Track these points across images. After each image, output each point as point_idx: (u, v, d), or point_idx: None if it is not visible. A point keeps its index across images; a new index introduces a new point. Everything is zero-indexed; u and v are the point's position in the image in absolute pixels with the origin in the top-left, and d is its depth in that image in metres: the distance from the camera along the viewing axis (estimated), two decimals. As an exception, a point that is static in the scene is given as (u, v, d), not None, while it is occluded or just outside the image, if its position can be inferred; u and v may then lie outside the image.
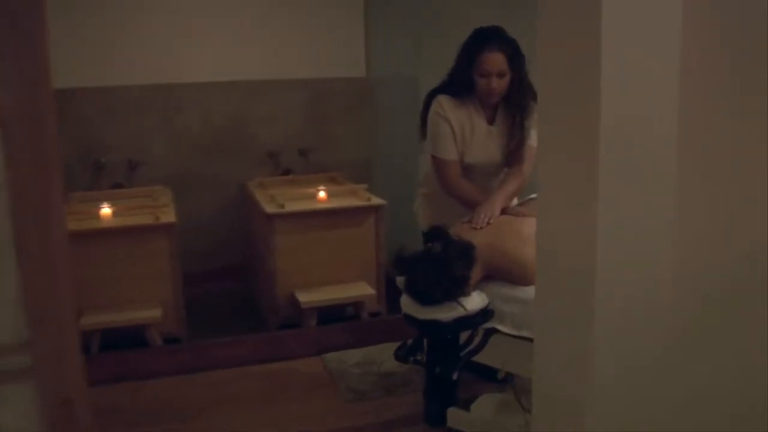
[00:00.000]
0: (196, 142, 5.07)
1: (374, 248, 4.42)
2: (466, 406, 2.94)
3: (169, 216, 4.12)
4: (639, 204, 1.68)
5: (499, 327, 2.60)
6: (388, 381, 3.54)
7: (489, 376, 2.85)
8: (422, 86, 4.38)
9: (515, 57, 2.98)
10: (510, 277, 2.64)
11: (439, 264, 2.45)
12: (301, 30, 5.17)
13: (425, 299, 2.49)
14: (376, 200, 4.42)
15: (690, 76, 1.66)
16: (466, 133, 3.08)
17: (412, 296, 2.53)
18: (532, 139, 3.08)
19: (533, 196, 3.17)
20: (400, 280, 3.00)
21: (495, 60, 2.95)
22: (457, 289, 2.47)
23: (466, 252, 2.52)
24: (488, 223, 2.76)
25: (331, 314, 4.26)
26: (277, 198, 4.39)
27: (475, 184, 3.12)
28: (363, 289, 4.29)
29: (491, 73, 2.96)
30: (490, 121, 3.13)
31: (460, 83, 3.05)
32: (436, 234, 2.59)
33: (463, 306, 2.46)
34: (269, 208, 4.23)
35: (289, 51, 5.18)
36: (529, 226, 2.74)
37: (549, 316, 1.85)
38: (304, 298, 4.15)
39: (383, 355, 3.92)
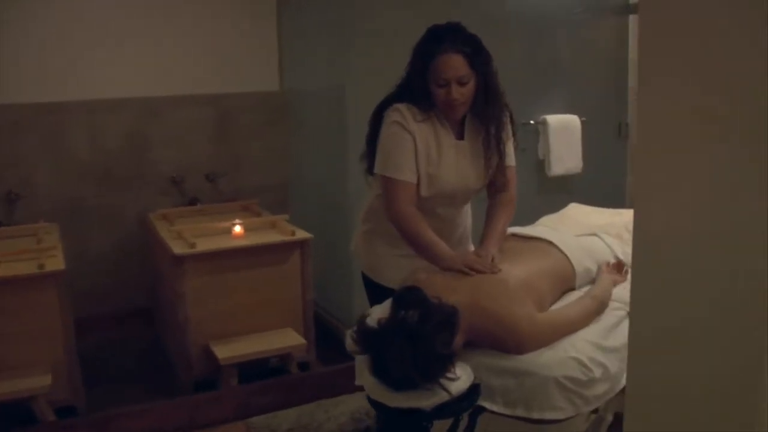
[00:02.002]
0: (86, 168, 4.41)
1: (300, 289, 3.88)
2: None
3: (56, 262, 3.46)
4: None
5: (488, 405, 2.12)
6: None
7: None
8: (351, 98, 3.89)
9: (477, 57, 2.45)
10: (498, 344, 2.15)
11: (417, 339, 1.93)
12: (204, 39, 4.58)
13: (399, 383, 1.96)
14: (301, 233, 3.88)
15: None
16: (431, 152, 2.53)
17: (382, 379, 1.99)
18: (510, 157, 2.65)
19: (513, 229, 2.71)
20: (352, 347, 2.46)
21: (451, 64, 2.41)
22: (440, 369, 1.96)
23: (449, 320, 2.01)
24: (493, 271, 2.29)
25: (254, 368, 3.68)
26: (186, 235, 3.79)
27: (435, 224, 2.58)
28: (290, 338, 3.74)
29: (449, 81, 2.42)
30: (459, 136, 2.59)
31: (415, 95, 2.50)
32: (409, 297, 2.05)
33: (446, 390, 1.95)
34: (177, 249, 3.63)
35: (191, 63, 4.57)
36: (514, 278, 2.27)
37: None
38: (223, 352, 3.56)
39: (320, 415, 3.41)
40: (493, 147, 2.56)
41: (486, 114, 2.53)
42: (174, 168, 4.60)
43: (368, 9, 3.86)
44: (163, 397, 3.61)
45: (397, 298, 2.05)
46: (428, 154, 2.52)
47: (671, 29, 1.30)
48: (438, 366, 1.96)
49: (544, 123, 4.36)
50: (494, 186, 2.66)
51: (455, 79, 2.42)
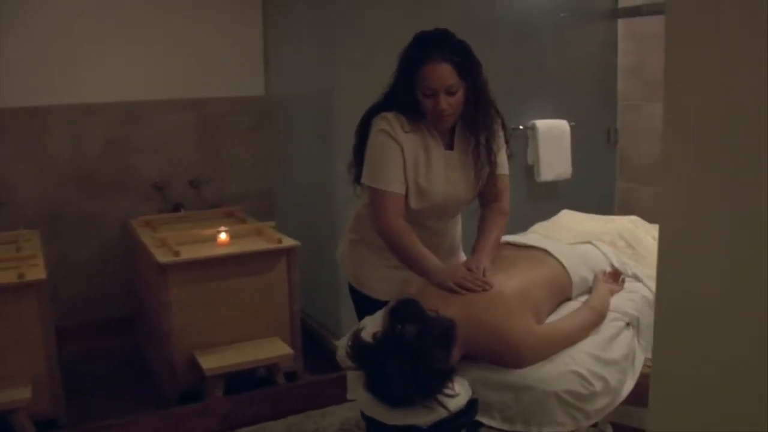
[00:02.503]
0: (68, 174, 4.32)
1: (287, 297, 3.81)
2: None
3: (37, 271, 3.37)
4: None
5: (485, 421, 2.05)
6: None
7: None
8: (338, 103, 3.82)
9: (466, 65, 2.35)
10: (495, 358, 2.09)
11: (415, 354, 1.86)
12: (188, 43, 4.50)
13: (397, 400, 1.89)
14: (288, 241, 3.80)
15: None
16: (420, 163, 2.44)
17: (378, 396, 1.92)
18: (503, 166, 2.56)
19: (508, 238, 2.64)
20: (346, 362, 2.39)
21: (439, 73, 2.31)
22: (439, 385, 1.89)
23: (447, 334, 1.95)
24: (484, 288, 2.20)
25: (240, 378, 3.60)
26: (170, 242, 3.70)
27: (424, 236, 2.49)
28: (277, 348, 3.66)
29: (437, 91, 2.32)
30: (449, 146, 2.51)
31: (402, 103, 2.40)
32: (406, 310, 1.98)
33: (445, 406, 1.89)
34: (161, 257, 3.55)
35: (175, 67, 4.50)
36: (511, 289, 2.21)
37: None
38: (208, 363, 3.48)
39: (308, 426, 3.34)
40: (483, 157, 2.47)
41: (476, 123, 2.44)
42: (157, 173, 4.52)
43: (356, 13, 3.81)
44: (147, 409, 3.53)
45: (393, 312, 1.98)
46: (417, 165, 2.44)
47: (699, 36, 1.25)
48: (437, 382, 1.89)
49: (534, 128, 4.32)
50: (487, 196, 2.58)
51: (443, 89, 2.33)
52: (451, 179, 2.49)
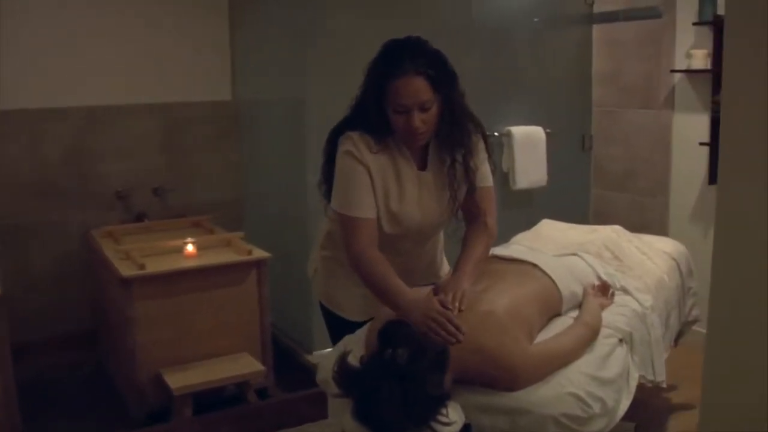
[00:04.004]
0: (26, 182, 4.12)
1: (257, 311, 3.65)
2: None
3: (-8, 286, 3.19)
4: None
5: (478, 448, 1.93)
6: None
7: None
8: (311, 110, 3.69)
9: (441, 78, 2.16)
10: (489, 381, 1.98)
11: (408, 380, 1.74)
12: (152, 45, 4.34)
13: (388, 429, 1.76)
14: (258, 252, 3.65)
15: None
16: (390, 186, 2.28)
17: (368, 424, 1.78)
18: (484, 178, 2.37)
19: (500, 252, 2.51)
20: (324, 382, 2.26)
21: (413, 89, 2.11)
22: (433, 412, 1.77)
23: (440, 357, 1.82)
24: (460, 310, 2.05)
25: (209, 396, 3.44)
26: (134, 255, 3.53)
27: (399, 259, 2.35)
28: (248, 364, 3.51)
29: (410, 108, 2.13)
30: (421, 166, 2.34)
31: (370, 119, 2.23)
32: (397, 333, 1.84)
33: (438, 435, 1.77)
34: (125, 270, 3.38)
35: (137, 70, 4.32)
36: (501, 307, 2.10)
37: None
38: (176, 381, 3.32)
39: (280, 448, 3.18)
40: (460, 176, 2.29)
41: (452, 140, 2.25)
42: (119, 182, 4.34)
43: (327, 17, 3.69)
44: (112, 431, 3.35)
45: (383, 334, 1.85)
46: (387, 188, 2.28)
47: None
48: (431, 409, 1.77)
49: (509, 135, 4.23)
50: (470, 213, 2.40)
51: (417, 106, 2.13)
52: (425, 202, 2.33)
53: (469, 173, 2.30)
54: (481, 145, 2.36)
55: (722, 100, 1.28)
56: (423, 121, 2.16)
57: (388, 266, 2.20)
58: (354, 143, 2.24)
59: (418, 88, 2.12)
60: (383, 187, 2.27)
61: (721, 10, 3.78)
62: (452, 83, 2.21)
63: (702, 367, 1.44)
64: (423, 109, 2.15)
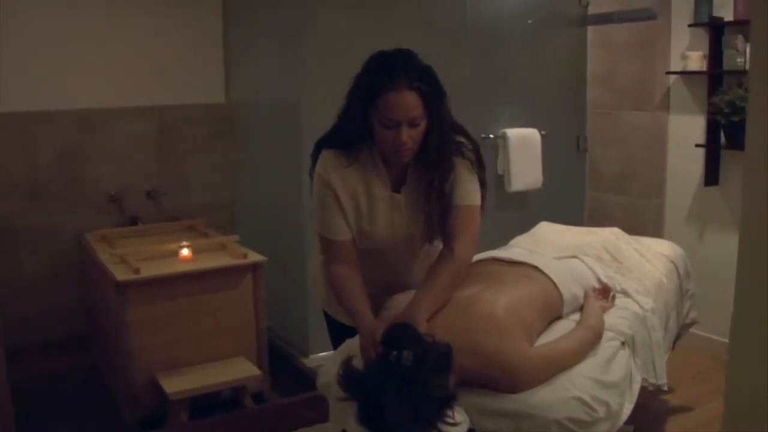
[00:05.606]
0: (18, 185, 4.08)
1: (253, 315, 3.63)
2: None
3: (-14, 291, 3.16)
4: None
5: (482, 451, 1.92)
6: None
7: None
8: (305, 111, 3.67)
9: (432, 94, 2.11)
10: (490, 383, 1.97)
11: (413, 382, 1.72)
12: (145, 48, 4.30)
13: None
14: (254, 256, 3.63)
15: None
16: (360, 202, 2.25)
17: (373, 428, 1.77)
18: (462, 197, 2.24)
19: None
20: (324, 386, 2.24)
21: (404, 103, 2.07)
22: (439, 414, 1.75)
23: (444, 360, 1.81)
24: None
25: (204, 401, 3.42)
26: (128, 258, 3.50)
27: (384, 272, 2.36)
28: (244, 369, 3.49)
29: (400, 123, 2.09)
30: (396, 187, 2.26)
31: (352, 131, 2.18)
32: (402, 335, 1.83)
33: (444, 438, 1.75)
34: (120, 274, 3.35)
35: (130, 73, 4.29)
36: (502, 309, 2.09)
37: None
38: (172, 386, 3.29)
39: (277, 453, 3.17)
40: (434, 200, 2.21)
41: (431, 160, 2.18)
42: (113, 185, 4.30)
43: (321, 19, 3.67)
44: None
45: (387, 337, 1.84)
46: (357, 207, 2.25)
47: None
48: (437, 411, 1.76)
49: (504, 137, 4.22)
50: (445, 235, 2.27)
51: (407, 121, 2.08)
52: (395, 224, 2.29)
53: (443, 196, 2.22)
54: (465, 165, 2.26)
55: (749, 105, 1.26)
56: (410, 137, 2.12)
57: (358, 288, 2.22)
58: (324, 164, 2.24)
59: (410, 103, 2.08)
60: (354, 207, 2.26)
61: (716, 12, 3.79)
62: (441, 101, 2.16)
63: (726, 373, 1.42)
64: (412, 124, 2.11)
